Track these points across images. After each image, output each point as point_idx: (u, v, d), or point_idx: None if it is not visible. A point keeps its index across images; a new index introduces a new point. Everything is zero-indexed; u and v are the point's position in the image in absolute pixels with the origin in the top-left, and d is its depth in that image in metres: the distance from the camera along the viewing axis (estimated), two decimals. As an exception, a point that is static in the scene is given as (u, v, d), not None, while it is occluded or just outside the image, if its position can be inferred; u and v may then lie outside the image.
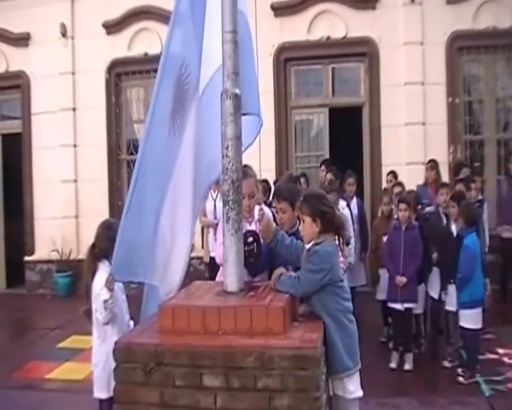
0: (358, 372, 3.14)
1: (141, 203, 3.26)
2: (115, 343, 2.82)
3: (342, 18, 9.71)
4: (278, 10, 9.84)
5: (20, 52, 11.00)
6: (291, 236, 3.53)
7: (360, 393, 3.14)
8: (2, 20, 10.86)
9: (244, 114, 3.27)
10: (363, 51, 9.73)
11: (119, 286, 4.04)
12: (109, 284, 3.81)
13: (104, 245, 3.95)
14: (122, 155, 10.93)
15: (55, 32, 10.62)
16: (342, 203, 6.75)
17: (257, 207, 3.93)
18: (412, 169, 8.76)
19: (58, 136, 10.70)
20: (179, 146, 3.45)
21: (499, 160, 9.59)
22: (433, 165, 7.85)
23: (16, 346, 7.63)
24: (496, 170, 9.60)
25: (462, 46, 9.47)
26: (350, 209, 6.96)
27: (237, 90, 3.13)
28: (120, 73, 10.82)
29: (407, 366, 5.97)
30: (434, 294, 6.28)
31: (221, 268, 3.67)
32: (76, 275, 9.65)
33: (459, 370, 5.71)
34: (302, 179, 7.88)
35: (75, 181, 10.80)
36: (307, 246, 3.18)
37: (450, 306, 5.96)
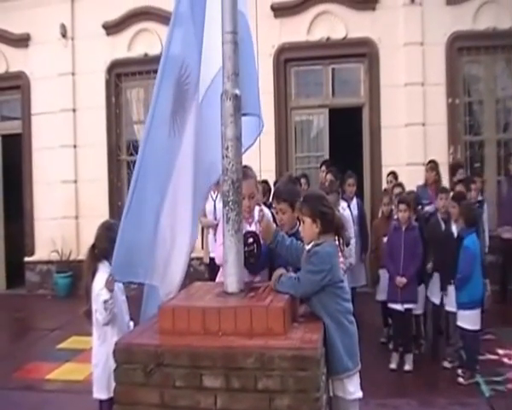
0: (358, 373, 3.14)
1: (141, 204, 3.26)
2: (115, 344, 2.82)
3: (342, 19, 9.72)
4: (278, 11, 9.85)
5: (20, 53, 11.01)
6: (291, 236, 3.53)
7: (360, 394, 3.14)
8: (3, 20, 10.86)
9: (244, 115, 3.27)
10: (363, 52, 9.74)
11: (119, 287, 4.04)
12: (109, 285, 3.81)
13: (104, 246, 3.95)
14: (122, 155, 10.94)
15: (55, 32, 10.63)
16: (343, 204, 6.75)
17: (257, 208, 3.93)
18: (412, 170, 8.75)
19: (58, 136, 10.70)
20: (179, 146, 3.45)
21: (499, 160, 9.59)
22: (433, 166, 7.84)
23: (16, 346, 7.63)
24: (496, 171, 9.60)
25: (462, 47, 9.48)
26: (350, 210, 6.96)
27: (237, 91, 3.13)
28: (120, 74, 10.83)
29: (407, 367, 5.97)
30: (435, 299, 6.27)
31: (221, 269, 3.67)
32: (76, 276, 9.65)
33: (459, 370, 5.70)
34: (303, 180, 7.87)
35: (75, 182, 10.80)
36: (307, 247, 3.18)
37: (451, 306, 5.95)
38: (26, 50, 11.00)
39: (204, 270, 8.43)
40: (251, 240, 3.56)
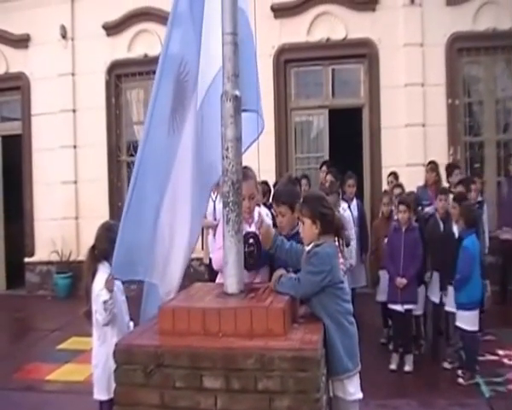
0: (358, 374, 3.14)
1: (141, 202, 3.27)
2: (116, 345, 2.82)
3: (342, 19, 9.72)
4: (278, 12, 9.85)
5: (20, 53, 11.02)
6: (291, 238, 3.53)
7: (360, 395, 3.14)
8: (3, 21, 10.86)
9: (244, 111, 3.26)
10: (363, 53, 9.74)
11: (118, 287, 4.04)
12: (109, 285, 3.81)
13: (104, 247, 3.95)
14: (122, 156, 10.94)
15: (55, 33, 10.63)
16: (343, 205, 6.75)
17: (257, 209, 3.94)
18: (412, 171, 8.75)
19: (58, 137, 10.71)
20: (178, 144, 3.47)
21: (499, 161, 9.59)
22: (433, 166, 7.83)
23: (16, 347, 7.63)
24: (496, 171, 9.60)
25: (461, 47, 9.48)
26: (350, 211, 6.96)
27: (237, 92, 3.13)
28: (120, 75, 10.83)
29: (407, 368, 5.97)
30: (435, 298, 6.29)
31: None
32: (76, 276, 9.64)
33: (459, 371, 5.70)
34: (304, 181, 7.87)
35: (75, 182, 10.81)
36: (307, 248, 3.18)
37: (451, 307, 5.95)
38: (26, 51, 11.01)
39: (204, 271, 8.44)
40: (251, 241, 3.55)
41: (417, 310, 6.24)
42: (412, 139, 9.35)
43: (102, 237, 4.05)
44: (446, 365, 5.97)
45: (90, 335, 4.13)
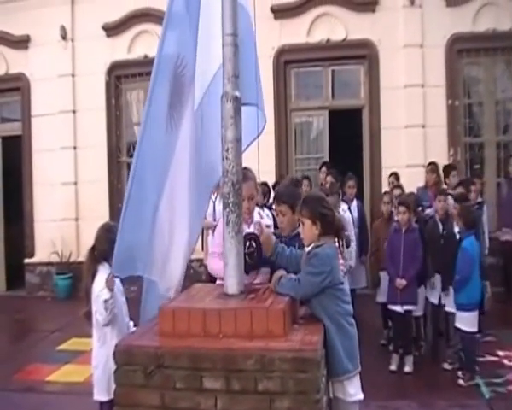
0: (359, 376, 3.14)
1: (139, 199, 3.29)
2: (116, 346, 2.82)
3: (342, 20, 9.72)
4: (278, 13, 9.86)
5: (20, 54, 11.01)
6: (291, 239, 3.54)
7: (361, 396, 3.13)
8: (3, 22, 10.86)
9: (243, 104, 3.25)
10: (363, 54, 9.74)
11: (118, 289, 4.04)
12: (109, 283, 3.81)
13: (104, 247, 3.95)
14: (122, 157, 10.94)
15: (55, 34, 10.63)
16: (343, 206, 6.75)
17: (256, 209, 3.94)
18: (412, 172, 8.75)
19: (58, 138, 10.70)
20: (176, 141, 3.47)
21: (499, 162, 9.59)
22: (433, 168, 7.83)
23: (16, 348, 7.62)
24: (495, 172, 9.60)
25: (461, 48, 9.48)
26: (350, 212, 6.96)
27: (237, 93, 3.14)
28: (120, 76, 10.83)
29: (407, 369, 5.97)
30: (434, 299, 6.29)
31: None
32: (76, 277, 9.64)
33: (459, 372, 5.70)
34: (305, 182, 7.87)
35: (75, 183, 10.80)
36: (307, 249, 3.18)
37: (451, 307, 5.95)
38: (26, 52, 11.00)
39: (204, 271, 8.43)
40: (251, 242, 3.56)
41: (417, 311, 6.24)
42: (412, 140, 9.35)
43: (102, 238, 4.05)
44: (446, 366, 5.97)
45: (90, 336, 4.13)
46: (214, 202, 7.04)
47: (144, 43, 10.36)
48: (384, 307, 6.59)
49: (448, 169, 7.88)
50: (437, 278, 6.24)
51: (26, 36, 10.88)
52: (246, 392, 2.58)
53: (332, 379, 3.06)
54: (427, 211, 7.01)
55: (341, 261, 3.21)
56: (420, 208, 6.83)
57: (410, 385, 5.73)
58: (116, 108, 10.83)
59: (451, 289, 5.89)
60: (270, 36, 9.49)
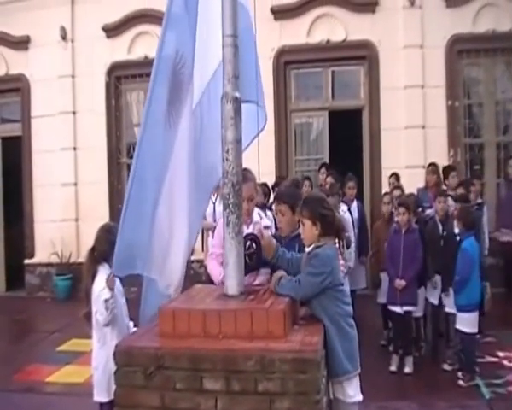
0: (358, 377, 3.14)
1: (140, 198, 3.30)
2: (116, 347, 2.83)
3: (342, 21, 9.72)
4: (278, 14, 9.85)
5: (20, 55, 11.01)
6: (291, 240, 3.54)
7: (360, 397, 3.14)
8: (3, 23, 10.86)
9: (244, 102, 3.25)
10: (363, 54, 9.74)
11: (118, 289, 4.04)
12: (110, 283, 3.80)
13: (104, 248, 3.95)
14: (122, 158, 10.93)
15: (55, 35, 10.63)
16: (343, 207, 6.74)
17: (256, 210, 3.94)
18: (412, 172, 8.74)
19: (58, 139, 10.70)
20: (174, 139, 3.49)
21: (499, 163, 9.59)
22: (433, 169, 7.82)
23: (16, 349, 7.61)
24: (495, 173, 9.60)
25: (461, 49, 9.48)
26: (350, 213, 6.96)
27: (237, 94, 3.14)
28: (120, 77, 10.83)
29: (407, 370, 5.96)
30: (434, 300, 6.29)
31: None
32: (76, 278, 9.63)
33: (459, 373, 5.70)
34: (306, 182, 7.86)
35: (75, 184, 10.79)
36: (307, 249, 3.18)
37: (451, 308, 5.95)
38: (26, 53, 11.00)
39: (204, 272, 8.43)
40: (251, 243, 3.56)
41: (417, 312, 6.24)
42: (412, 141, 9.35)
43: (102, 238, 4.05)
44: (446, 366, 5.97)
45: (90, 337, 4.12)
46: (214, 203, 7.04)
47: (144, 43, 10.36)
48: (384, 307, 6.59)
49: (447, 170, 7.88)
50: (437, 279, 6.24)
51: (26, 37, 10.88)
52: (246, 393, 2.58)
53: (332, 380, 3.07)
54: (428, 212, 7.00)
55: (341, 262, 3.21)
56: (420, 209, 6.83)
57: (410, 386, 5.73)
58: (116, 108, 10.83)
59: (451, 290, 5.89)
60: (270, 37, 9.49)
